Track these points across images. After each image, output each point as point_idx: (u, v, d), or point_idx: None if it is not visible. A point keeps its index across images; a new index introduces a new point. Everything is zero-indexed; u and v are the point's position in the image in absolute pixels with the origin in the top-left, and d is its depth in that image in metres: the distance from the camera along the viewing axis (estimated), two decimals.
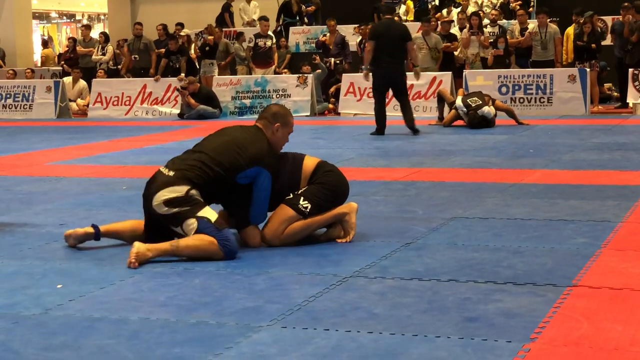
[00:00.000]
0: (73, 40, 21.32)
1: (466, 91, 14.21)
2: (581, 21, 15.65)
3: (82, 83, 18.36)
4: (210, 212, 5.01)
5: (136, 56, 17.95)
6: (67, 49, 21.21)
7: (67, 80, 18.59)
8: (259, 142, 5.20)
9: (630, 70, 14.77)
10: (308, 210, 5.19)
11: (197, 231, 4.94)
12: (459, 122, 13.03)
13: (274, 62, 18.00)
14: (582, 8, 16.17)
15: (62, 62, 20.30)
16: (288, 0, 21.25)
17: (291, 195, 5.24)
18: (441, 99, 13.82)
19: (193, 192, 5.02)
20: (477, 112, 12.65)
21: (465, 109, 12.80)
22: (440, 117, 13.73)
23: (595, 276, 4.37)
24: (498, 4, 19.83)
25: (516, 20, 17.25)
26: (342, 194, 5.38)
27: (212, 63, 18.14)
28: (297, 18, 21.44)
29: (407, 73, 12.82)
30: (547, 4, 17.96)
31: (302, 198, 5.20)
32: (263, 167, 5.12)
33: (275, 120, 5.31)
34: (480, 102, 12.78)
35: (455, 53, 16.36)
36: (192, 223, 4.96)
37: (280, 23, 21.30)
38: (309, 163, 5.37)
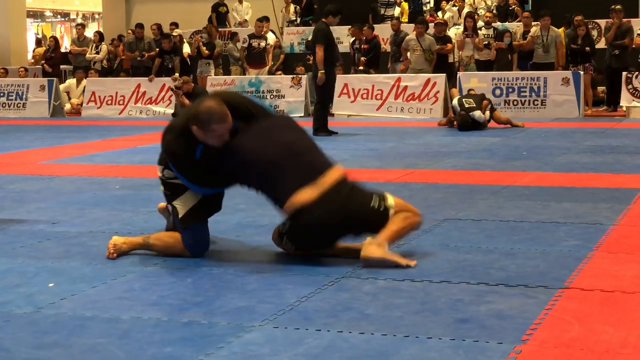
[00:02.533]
0: (54, 40, 21.26)
1: (460, 93, 14.19)
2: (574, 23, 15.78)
3: (85, 82, 18.31)
4: (183, 203, 4.94)
5: (143, 55, 17.93)
6: (48, 48, 21.13)
7: (72, 82, 18.60)
8: (168, 132, 4.90)
9: (624, 73, 14.80)
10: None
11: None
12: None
13: (267, 62, 18.00)
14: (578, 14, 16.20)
15: (43, 62, 20.21)
16: (309, 1, 21.40)
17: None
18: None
19: (165, 173, 4.99)
20: (468, 114, 12.62)
21: (458, 109, 12.78)
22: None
23: (587, 278, 4.37)
24: (493, 7, 19.87)
25: (514, 23, 17.27)
26: None
27: (208, 63, 18.15)
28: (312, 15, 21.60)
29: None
30: (542, 6, 17.97)
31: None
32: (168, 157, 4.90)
33: (192, 123, 4.75)
34: (475, 105, 12.76)
35: (459, 52, 16.34)
36: (170, 209, 5.04)
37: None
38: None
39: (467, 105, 12.71)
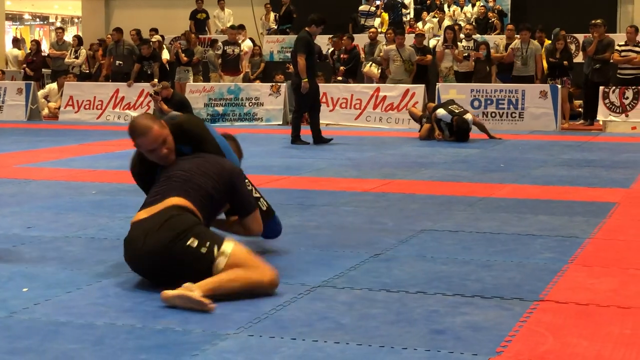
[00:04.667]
0: (36, 43, 21.14)
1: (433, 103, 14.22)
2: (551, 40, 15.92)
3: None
4: None
5: (120, 62, 17.81)
6: (29, 52, 21.00)
7: (52, 86, 18.48)
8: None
9: (601, 88, 14.91)
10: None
11: None
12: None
13: (242, 69, 18.00)
14: (559, 29, 16.29)
15: (24, 66, 20.10)
16: (288, 9, 21.48)
17: None
18: (414, 117, 13.91)
19: None
20: (462, 117, 12.57)
21: (450, 116, 12.61)
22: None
23: (562, 291, 4.39)
24: (472, 19, 19.98)
25: (493, 35, 17.34)
26: None
27: (187, 70, 18.12)
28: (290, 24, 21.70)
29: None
30: (521, 19, 18.07)
31: None
32: None
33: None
34: (463, 108, 12.80)
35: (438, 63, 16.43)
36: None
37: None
38: None
39: (457, 111, 12.65)
